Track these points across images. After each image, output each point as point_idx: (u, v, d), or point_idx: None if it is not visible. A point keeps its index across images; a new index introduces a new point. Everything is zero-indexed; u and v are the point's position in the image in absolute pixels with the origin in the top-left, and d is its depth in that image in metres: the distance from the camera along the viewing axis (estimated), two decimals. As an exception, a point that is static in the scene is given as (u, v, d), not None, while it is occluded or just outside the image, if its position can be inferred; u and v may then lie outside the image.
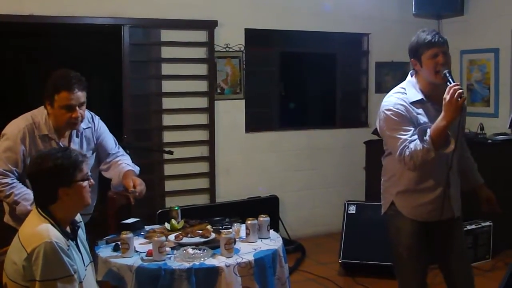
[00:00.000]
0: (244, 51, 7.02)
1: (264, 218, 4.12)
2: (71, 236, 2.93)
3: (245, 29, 7.04)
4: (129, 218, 4.40)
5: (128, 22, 6.35)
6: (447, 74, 3.49)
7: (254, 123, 7.30)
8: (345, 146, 7.78)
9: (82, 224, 3.17)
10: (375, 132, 7.38)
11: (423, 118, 3.57)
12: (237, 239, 3.99)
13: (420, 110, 3.60)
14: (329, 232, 7.41)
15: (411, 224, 3.72)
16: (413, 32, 8.21)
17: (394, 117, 3.57)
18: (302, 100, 8.42)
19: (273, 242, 4.04)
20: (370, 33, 7.93)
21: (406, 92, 3.66)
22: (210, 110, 6.85)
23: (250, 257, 3.69)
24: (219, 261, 3.60)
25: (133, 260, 3.63)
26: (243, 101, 7.11)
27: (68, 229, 2.95)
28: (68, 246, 2.83)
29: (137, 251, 3.78)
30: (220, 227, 4.26)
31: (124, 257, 3.67)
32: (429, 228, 3.76)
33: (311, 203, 7.62)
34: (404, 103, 3.59)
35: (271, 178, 7.33)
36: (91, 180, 3.04)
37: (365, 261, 5.99)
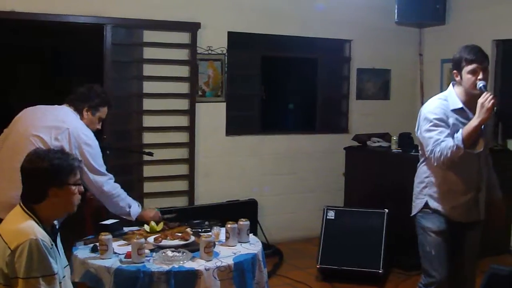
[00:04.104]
0: (226, 54, 7.01)
1: (244, 222, 4.11)
2: (52, 237, 2.90)
3: (228, 32, 7.02)
4: (108, 219, 4.37)
5: (111, 22, 6.30)
6: (483, 87, 3.83)
7: (234, 127, 7.28)
8: (325, 151, 7.79)
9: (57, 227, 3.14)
10: (355, 138, 7.43)
11: (460, 126, 3.90)
12: (216, 243, 3.97)
13: (459, 118, 3.95)
14: (307, 237, 7.40)
15: (438, 224, 4.07)
16: (395, 40, 8.37)
17: (433, 120, 3.94)
18: (283, 105, 8.42)
19: (253, 246, 4.04)
20: (352, 40, 7.95)
21: (447, 100, 4.01)
22: (191, 112, 6.82)
23: (230, 261, 3.68)
24: (198, 264, 3.59)
25: (112, 262, 3.60)
26: (224, 104, 7.10)
27: None
28: (52, 245, 2.80)
29: (115, 253, 3.75)
30: (200, 230, 4.26)
31: (102, 259, 3.65)
32: (456, 227, 4.10)
33: (290, 208, 7.62)
34: (444, 108, 3.96)
35: (250, 181, 7.32)
36: (81, 187, 3.03)
37: (343, 267, 5.99)
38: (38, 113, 4.21)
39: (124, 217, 4.32)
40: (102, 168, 4.18)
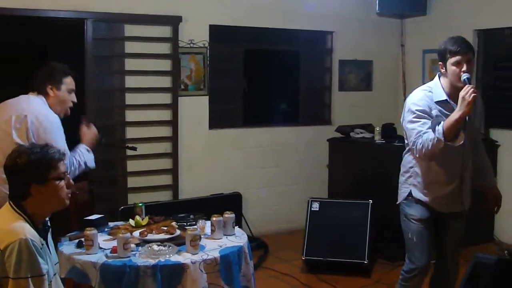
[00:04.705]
0: (208, 47, 6.98)
1: (229, 215, 4.13)
2: (43, 235, 2.88)
3: (210, 25, 7.00)
4: (92, 214, 4.35)
5: (91, 16, 6.25)
6: (467, 80, 3.84)
7: (217, 120, 7.26)
8: (309, 143, 7.80)
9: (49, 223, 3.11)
10: (338, 129, 7.45)
11: (444, 118, 3.90)
12: (202, 236, 3.97)
13: (442, 110, 3.97)
14: (292, 229, 7.42)
15: (421, 213, 4.14)
16: (377, 31, 8.39)
17: (416, 111, 3.97)
18: (265, 97, 8.42)
19: (238, 238, 4.06)
20: (334, 31, 7.95)
21: (432, 91, 4.04)
22: (173, 106, 6.79)
23: (216, 254, 3.70)
24: (184, 257, 3.60)
25: (98, 257, 3.60)
26: (207, 97, 7.07)
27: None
28: (42, 245, 2.78)
29: (101, 248, 3.75)
30: (185, 223, 4.26)
31: (88, 254, 3.65)
32: (440, 216, 4.18)
33: (274, 200, 7.62)
34: (428, 100, 4.00)
35: (234, 175, 7.31)
36: (70, 180, 2.97)
37: (328, 258, 6.01)
38: (5, 108, 4.14)
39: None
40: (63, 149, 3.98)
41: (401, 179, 4.29)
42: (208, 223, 4.13)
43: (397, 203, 4.32)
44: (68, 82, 4.19)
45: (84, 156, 4.16)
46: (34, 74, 4.22)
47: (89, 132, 4.35)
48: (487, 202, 4.36)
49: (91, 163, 4.21)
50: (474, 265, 4.83)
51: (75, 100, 4.24)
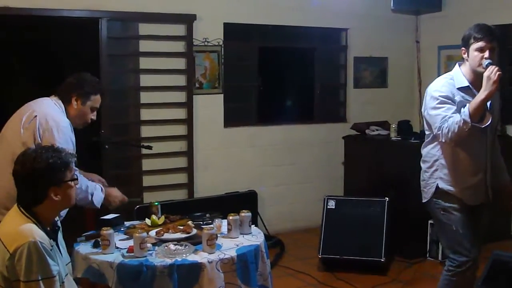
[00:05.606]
0: (222, 46, 6.97)
1: (245, 214, 4.10)
2: (52, 236, 2.88)
3: (224, 23, 6.98)
4: (108, 214, 4.34)
5: (106, 15, 6.26)
6: (489, 64, 3.84)
7: (232, 118, 7.25)
8: (324, 141, 7.77)
9: (59, 223, 3.11)
10: (354, 127, 7.41)
11: (466, 103, 3.87)
12: (218, 235, 3.94)
13: (465, 96, 3.96)
14: (308, 228, 7.40)
15: (457, 202, 4.07)
16: (392, 27, 8.35)
17: (439, 97, 3.96)
18: (280, 95, 8.39)
19: (255, 237, 4.03)
20: (348, 28, 7.92)
21: (453, 79, 4.04)
22: (188, 105, 6.79)
23: (233, 253, 3.67)
24: (201, 257, 3.57)
25: (114, 257, 3.58)
26: (222, 95, 7.07)
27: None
28: (52, 246, 2.78)
29: (117, 248, 3.73)
30: (201, 222, 4.24)
31: (104, 254, 3.63)
32: (469, 209, 4.12)
33: (290, 198, 7.60)
34: (450, 87, 3.99)
35: (249, 173, 7.30)
36: (77, 180, 3.00)
37: (345, 256, 5.98)
38: (22, 109, 4.12)
39: (88, 206, 4.08)
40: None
41: (425, 175, 4.22)
42: (225, 222, 4.11)
43: (425, 201, 4.24)
44: (95, 100, 4.06)
45: (95, 190, 3.98)
46: (64, 79, 4.10)
47: (115, 193, 4.23)
48: (502, 199, 4.31)
49: (97, 202, 4.00)
50: (492, 262, 4.81)
51: (94, 118, 4.11)
